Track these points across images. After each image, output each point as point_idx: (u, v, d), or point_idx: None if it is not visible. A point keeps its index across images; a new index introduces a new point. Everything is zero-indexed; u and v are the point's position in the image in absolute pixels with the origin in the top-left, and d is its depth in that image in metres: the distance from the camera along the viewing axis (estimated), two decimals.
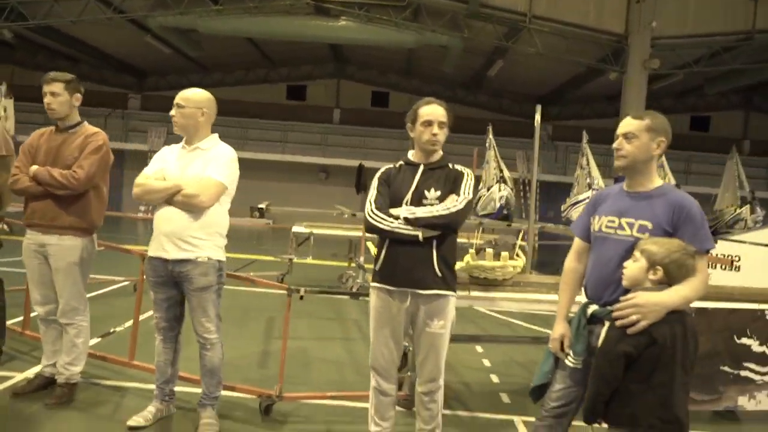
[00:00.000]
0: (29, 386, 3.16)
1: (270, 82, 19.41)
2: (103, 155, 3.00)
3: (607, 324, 2.03)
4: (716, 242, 6.71)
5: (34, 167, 2.92)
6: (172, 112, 2.87)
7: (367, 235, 3.88)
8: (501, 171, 9.93)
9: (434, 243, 2.44)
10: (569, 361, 2.18)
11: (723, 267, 7.02)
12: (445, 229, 2.44)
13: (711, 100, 18.38)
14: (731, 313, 3.56)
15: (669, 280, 1.96)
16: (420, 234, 2.40)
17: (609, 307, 2.03)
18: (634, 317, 1.89)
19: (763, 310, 3.59)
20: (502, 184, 9.60)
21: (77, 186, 2.89)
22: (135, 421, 2.85)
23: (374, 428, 2.69)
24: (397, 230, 2.42)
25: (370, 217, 2.48)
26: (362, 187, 17.61)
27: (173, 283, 2.79)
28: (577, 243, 2.35)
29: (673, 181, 10.42)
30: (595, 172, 10.00)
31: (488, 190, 9.71)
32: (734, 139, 18.81)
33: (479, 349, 4.61)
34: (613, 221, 2.19)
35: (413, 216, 2.41)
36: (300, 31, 12.21)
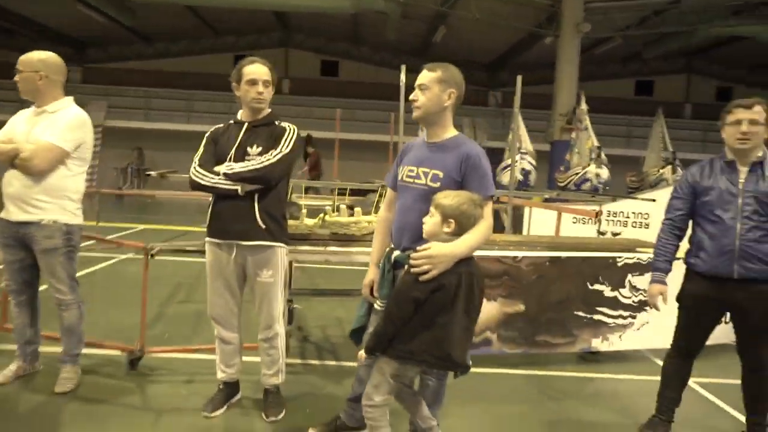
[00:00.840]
0: None
1: (216, 51, 19.01)
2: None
3: (404, 269, 2.21)
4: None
5: None
6: (15, 78, 2.89)
7: None
8: None
9: (256, 197, 2.59)
10: (377, 305, 2.36)
11: (634, 225, 7.43)
12: (261, 182, 2.57)
13: (654, 65, 18.81)
14: (584, 261, 3.82)
15: (460, 230, 2.12)
16: (239, 188, 2.54)
17: (405, 254, 2.21)
18: (425, 267, 2.04)
19: (614, 258, 3.86)
20: None
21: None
22: None
23: (220, 374, 2.88)
24: (217, 186, 2.55)
25: (194, 174, 2.60)
26: (307, 156, 17.59)
27: (22, 245, 2.87)
28: (389, 193, 2.53)
29: (671, 149, 10.82)
30: (524, 135, 10.25)
31: None
32: (677, 103, 19.42)
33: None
34: (413, 170, 2.35)
35: (231, 171, 2.54)
36: None
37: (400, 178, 2.38)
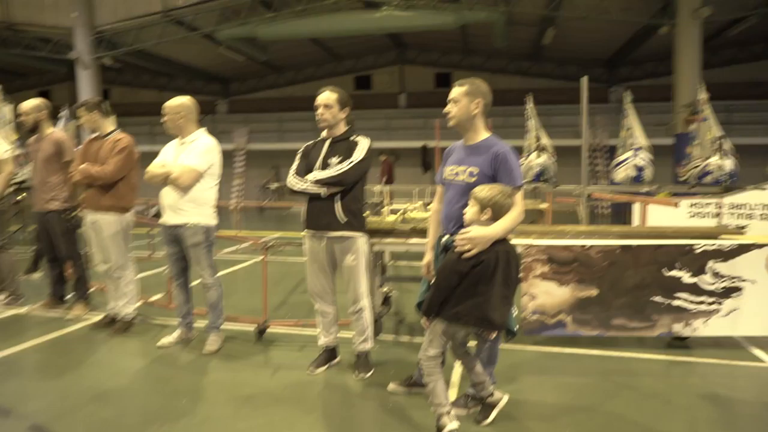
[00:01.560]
0: (102, 322, 4.42)
1: (338, 75, 20.61)
2: (127, 156, 4.13)
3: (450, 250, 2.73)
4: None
5: (81, 166, 4.12)
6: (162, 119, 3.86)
7: None
8: (538, 140, 10.22)
9: (337, 196, 3.26)
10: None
11: (763, 216, 7.05)
12: (339, 185, 3.24)
13: None
14: (658, 248, 3.97)
15: (495, 217, 2.60)
16: (323, 191, 3.23)
17: (452, 237, 2.72)
18: (467, 246, 2.54)
19: (691, 245, 3.95)
20: (540, 153, 9.94)
21: (107, 178, 4.04)
22: (163, 341, 3.98)
23: (321, 341, 3.59)
24: (307, 189, 3.27)
25: (289, 181, 3.35)
26: (428, 167, 18.31)
27: (176, 242, 3.84)
28: (438, 189, 3.06)
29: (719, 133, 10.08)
30: (638, 131, 9.96)
31: (527, 158, 10.10)
32: None
33: None
34: (453, 169, 2.87)
35: (316, 178, 3.25)
36: (347, 26, 13.11)
37: (444, 176, 2.91)
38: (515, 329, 2.83)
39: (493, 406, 2.77)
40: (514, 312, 2.85)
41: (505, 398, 2.82)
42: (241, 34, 13.80)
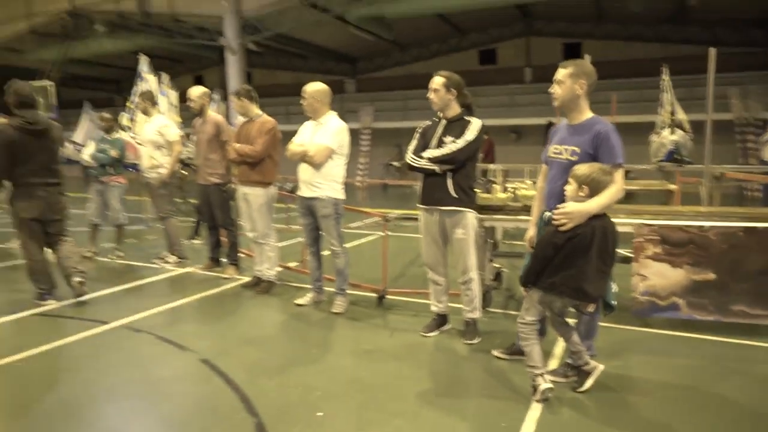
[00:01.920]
0: (250, 283, 5.20)
1: (463, 49, 20.51)
2: (271, 136, 4.77)
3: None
4: None
5: (236, 145, 4.84)
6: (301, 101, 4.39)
7: None
8: (673, 114, 9.55)
9: (450, 173, 3.56)
10: None
11: None
12: (451, 163, 3.53)
13: None
14: None
15: (592, 193, 2.77)
16: (437, 168, 3.55)
17: (551, 213, 2.92)
18: (563, 220, 2.76)
19: None
20: (674, 129, 9.30)
21: (256, 156, 4.72)
22: (299, 300, 4.62)
23: (433, 308, 3.98)
24: (423, 167, 3.61)
25: (407, 159, 3.71)
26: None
27: (310, 213, 4.42)
28: (543, 167, 3.23)
29: None
30: None
31: (658, 135, 9.50)
32: None
33: None
34: (557, 148, 3.04)
35: (431, 156, 3.57)
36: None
37: (548, 155, 3.09)
38: (613, 304, 2.97)
39: (588, 374, 2.96)
40: (614, 288, 2.98)
41: (600, 368, 2.98)
42: (370, 14, 14.36)
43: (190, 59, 22.74)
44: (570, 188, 2.81)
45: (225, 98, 13.32)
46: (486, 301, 4.36)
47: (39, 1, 18.84)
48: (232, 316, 4.47)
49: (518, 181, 4.83)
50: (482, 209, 4.17)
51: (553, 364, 3.33)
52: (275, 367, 3.40)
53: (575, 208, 2.71)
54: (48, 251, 4.60)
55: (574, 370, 3.05)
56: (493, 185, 4.42)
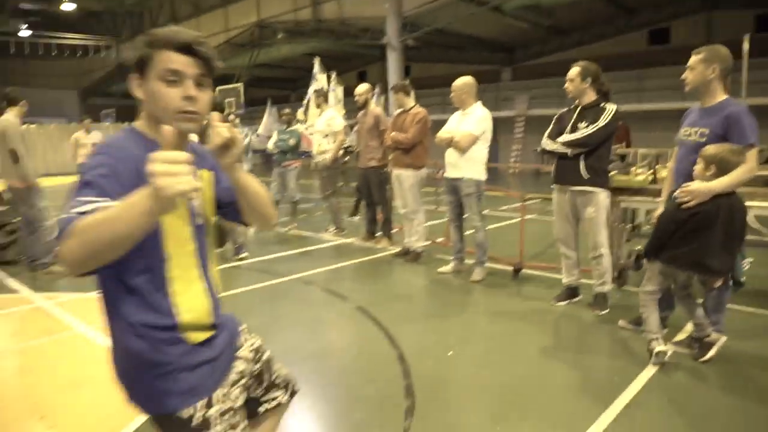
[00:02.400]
0: (400, 252, 5.88)
1: (631, 30, 19.23)
2: (422, 126, 5.36)
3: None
4: None
5: (392, 133, 5.53)
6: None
7: None
8: None
9: (582, 156, 3.80)
10: None
11: None
12: (582, 147, 3.75)
13: None
14: None
15: (720, 173, 2.87)
16: (569, 151, 3.81)
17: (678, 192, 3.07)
18: (686, 198, 2.91)
19: None
20: None
21: (408, 143, 5.35)
22: (442, 269, 5.18)
23: (565, 280, 4.26)
24: (556, 150, 3.89)
25: (543, 143, 4.01)
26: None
27: (454, 192, 4.92)
28: (675, 149, 3.34)
29: None
30: None
31: None
32: None
33: None
34: (687, 130, 3.16)
35: (564, 140, 3.84)
36: None
37: (679, 137, 3.20)
38: (742, 281, 3.01)
39: (711, 345, 3.05)
40: (745, 265, 3.02)
41: (723, 339, 3.06)
42: (526, 3, 14.32)
43: (355, 57, 24.52)
44: (698, 167, 2.91)
45: (385, 91, 14.35)
46: (621, 279, 4.49)
47: (234, 17, 21.92)
48: (383, 278, 5.19)
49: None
50: (621, 191, 4.31)
51: (681, 336, 3.44)
52: (417, 317, 4.01)
53: (698, 187, 2.84)
54: None
55: (697, 342, 3.16)
56: (631, 168, 4.50)
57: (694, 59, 3.07)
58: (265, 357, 1.59)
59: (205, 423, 1.31)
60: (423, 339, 3.57)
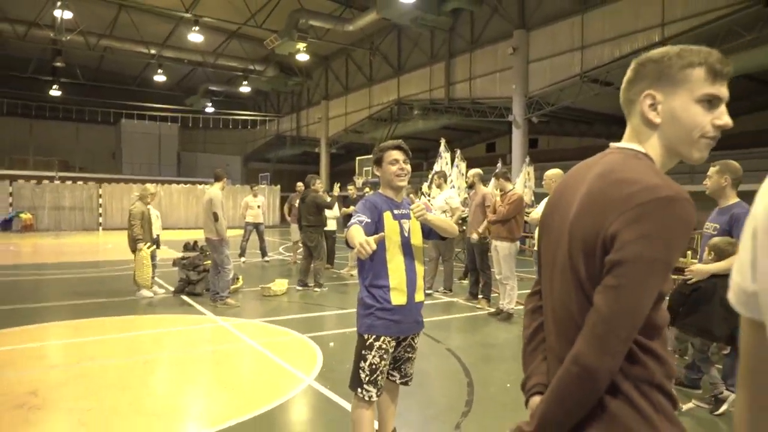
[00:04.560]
0: (494, 312, 6.90)
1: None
2: (515, 205, 6.48)
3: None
4: None
5: (493, 209, 6.72)
6: None
7: None
8: None
9: None
10: None
11: None
12: None
13: None
14: None
15: (717, 258, 3.70)
16: None
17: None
18: (688, 276, 3.78)
19: None
20: None
21: (503, 219, 6.49)
22: None
23: None
24: None
25: None
26: None
27: None
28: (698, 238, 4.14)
29: None
30: None
31: None
32: None
33: None
34: (708, 225, 3.98)
35: None
36: None
37: (704, 229, 4.02)
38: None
39: (723, 401, 3.73)
40: None
41: (733, 396, 3.71)
42: None
43: (484, 130, 26.12)
44: (705, 254, 3.77)
45: (509, 162, 15.54)
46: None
47: (377, 96, 24.82)
48: (478, 330, 6.26)
49: None
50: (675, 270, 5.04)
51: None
52: (493, 359, 5.04)
53: (697, 268, 3.69)
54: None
55: (713, 398, 3.84)
56: None
57: (711, 170, 3.94)
58: (412, 355, 2.90)
59: (371, 346, 2.66)
60: (492, 373, 4.62)
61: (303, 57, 22.77)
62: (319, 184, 8.81)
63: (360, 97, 26.28)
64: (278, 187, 27.70)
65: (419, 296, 2.77)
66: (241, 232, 12.43)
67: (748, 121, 18.97)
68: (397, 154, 2.79)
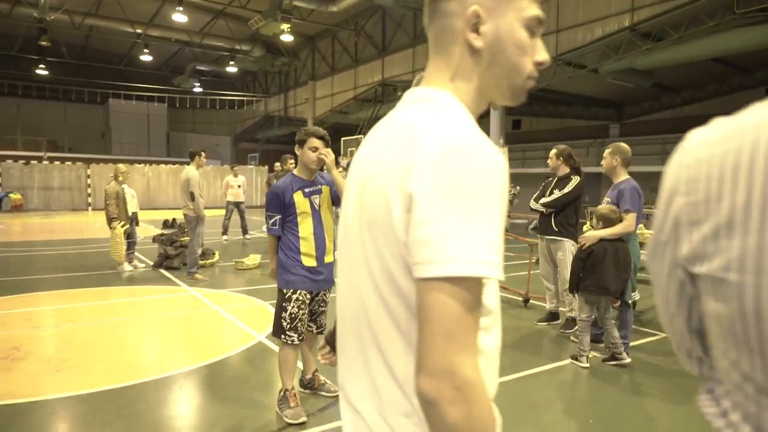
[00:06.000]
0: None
1: (746, 88, 18.99)
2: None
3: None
4: None
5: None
6: None
7: None
8: None
9: (554, 214, 5.23)
10: None
11: None
12: (552, 207, 5.18)
13: None
14: None
15: (605, 225, 4.29)
16: (544, 210, 5.27)
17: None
18: (583, 242, 4.36)
19: None
20: None
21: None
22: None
23: (547, 306, 5.63)
24: (537, 208, 5.37)
25: (530, 203, 5.49)
26: None
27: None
28: None
29: None
30: None
31: None
32: None
33: None
34: (605, 200, 4.55)
35: (541, 202, 5.30)
36: (747, 41, 12.60)
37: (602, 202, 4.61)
38: (630, 302, 4.33)
39: (616, 357, 4.35)
40: (636, 296, 4.32)
41: (628, 360, 4.32)
42: (621, 67, 15.27)
43: None
44: (595, 221, 4.36)
45: None
46: None
47: (362, 77, 25.15)
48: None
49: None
50: None
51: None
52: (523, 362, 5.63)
53: (589, 234, 4.30)
54: None
55: (610, 352, 4.45)
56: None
57: (605, 152, 4.51)
58: (325, 308, 3.47)
59: (289, 299, 3.24)
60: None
61: (288, 38, 23.01)
62: (291, 164, 9.29)
63: (346, 77, 26.58)
64: (266, 167, 28.11)
65: (329, 258, 3.33)
66: (224, 211, 12.96)
67: (727, 103, 19.51)
68: (317, 143, 3.31)
